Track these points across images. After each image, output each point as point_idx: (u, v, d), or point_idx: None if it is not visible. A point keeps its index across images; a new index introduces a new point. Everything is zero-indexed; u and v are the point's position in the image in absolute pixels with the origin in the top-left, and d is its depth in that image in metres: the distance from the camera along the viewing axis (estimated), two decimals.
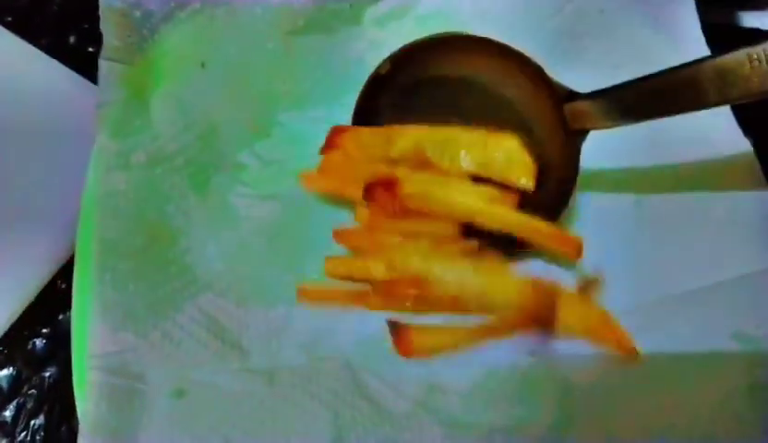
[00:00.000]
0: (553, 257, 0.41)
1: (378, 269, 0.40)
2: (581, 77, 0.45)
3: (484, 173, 0.41)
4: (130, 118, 0.44)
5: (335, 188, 0.43)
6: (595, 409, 0.37)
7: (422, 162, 0.41)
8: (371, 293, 0.40)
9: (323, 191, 0.44)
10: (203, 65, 0.47)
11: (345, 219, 0.44)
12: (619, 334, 0.38)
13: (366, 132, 0.43)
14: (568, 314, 0.38)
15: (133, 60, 0.46)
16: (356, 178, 0.41)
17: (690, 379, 0.37)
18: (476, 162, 0.40)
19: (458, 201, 0.40)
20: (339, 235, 0.42)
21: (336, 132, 0.44)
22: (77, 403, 0.37)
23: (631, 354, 0.38)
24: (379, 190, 0.40)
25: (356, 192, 0.41)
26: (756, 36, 0.31)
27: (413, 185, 0.40)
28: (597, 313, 0.38)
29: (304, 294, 0.41)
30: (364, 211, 0.42)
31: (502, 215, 0.40)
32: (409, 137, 0.42)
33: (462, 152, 0.41)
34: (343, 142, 0.43)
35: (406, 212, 0.40)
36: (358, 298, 0.40)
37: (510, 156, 0.40)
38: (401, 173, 0.41)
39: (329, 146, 0.43)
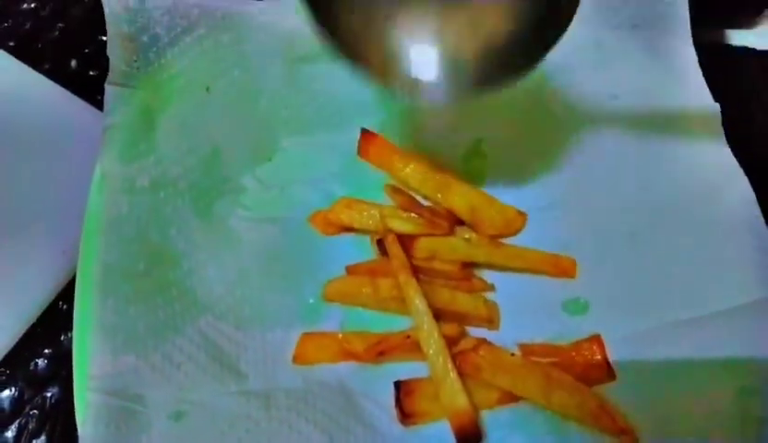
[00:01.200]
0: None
1: (385, 287, 0.42)
2: (578, 107, 0.46)
3: (468, 220, 0.44)
4: (136, 142, 0.45)
5: (347, 230, 0.45)
6: (588, 438, 0.38)
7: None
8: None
9: (335, 233, 0.45)
10: (208, 89, 0.47)
11: (343, 243, 0.45)
12: (621, 422, 0.38)
13: (388, 146, 0.46)
14: (566, 400, 0.38)
15: (139, 84, 0.46)
16: (367, 217, 0.44)
17: (682, 408, 0.38)
18: (463, 210, 0.44)
19: (462, 250, 0.43)
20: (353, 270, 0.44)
21: (367, 137, 0.46)
22: (77, 424, 0.38)
23: (632, 441, 0.37)
24: (393, 245, 0.43)
25: (370, 226, 0.44)
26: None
27: (422, 248, 0.43)
28: (595, 399, 0.38)
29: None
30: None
31: (503, 252, 0.44)
32: (416, 166, 0.45)
33: (453, 197, 0.44)
34: (370, 150, 0.46)
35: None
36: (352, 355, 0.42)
37: (499, 212, 0.45)
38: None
39: (363, 149, 0.47)
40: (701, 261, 0.41)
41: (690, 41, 0.46)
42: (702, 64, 0.45)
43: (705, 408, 0.37)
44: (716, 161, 0.43)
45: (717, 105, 0.44)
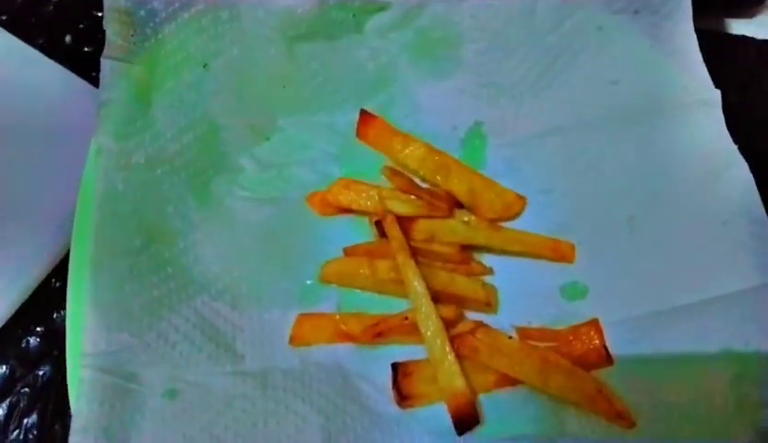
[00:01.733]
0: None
1: (383, 268, 0.42)
2: (578, 92, 0.46)
3: (467, 203, 0.44)
4: (132, 118, 0.44)
5: (345, 212, 0.45)
6: (585, 422, 0.38)
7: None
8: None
9: (333, 214, 0.45)
10: (205, 66, 0.47)
11: (341, 225, 0.45)
12: (618, 406, 0.38)
13: (387, 128, 0.46)
14: (563, 384, 0.38)
15: (135, 59, 0.46)
16: (365, 199, 0.44)
17: (679, 393, 0.38)
18: (462, 192, 0.44)
19: (461, 233, 0.43)
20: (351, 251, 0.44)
21: (366, 118, 0.46)
22: (70, 402, 0.37)
23: (629, 424, 0.38)
24: (392, 226, 0.42)
25: (368, 208, 0.44)
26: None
27: (421, 230, 0.43)
28: (592, 383, 0.38)
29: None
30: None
31: (502, 236, 0.44)
32: (415, 148, 0.45)
33: (452, 180, 0.45)
34: (369, 131, 0.46)
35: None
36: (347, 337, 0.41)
37: (498, 196, 0.45)
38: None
39: (361, 130, 0.47)
40: (699, 247, 0.41)
41: (692, 27, 0.45)
42: (703, 50, 0.45)
43: (702, 393, 0.38)
44: (716, 146, 0.43)
45: (718, 92, 0.43)
